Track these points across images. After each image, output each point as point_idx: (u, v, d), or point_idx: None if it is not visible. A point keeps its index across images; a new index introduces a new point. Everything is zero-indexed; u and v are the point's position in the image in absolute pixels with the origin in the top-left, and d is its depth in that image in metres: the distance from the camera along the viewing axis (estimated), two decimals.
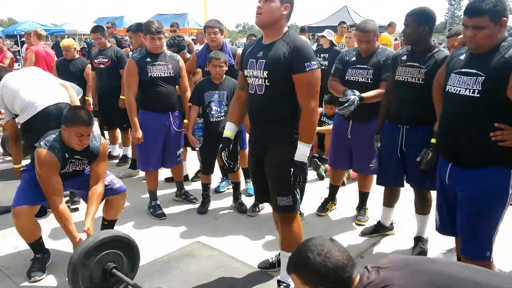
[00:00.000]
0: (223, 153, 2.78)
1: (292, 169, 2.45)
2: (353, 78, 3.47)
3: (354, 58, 3.52)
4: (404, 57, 3.04)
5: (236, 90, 2.87)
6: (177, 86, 3.98)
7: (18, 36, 17.24)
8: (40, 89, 3.41)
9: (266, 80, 2.44)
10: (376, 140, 3.27)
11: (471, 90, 2.18)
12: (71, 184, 3.07)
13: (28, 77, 3.54)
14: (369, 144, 3.36)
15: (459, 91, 2.23)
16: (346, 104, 3.20)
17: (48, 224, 3.55)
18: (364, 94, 3.29)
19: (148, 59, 3.71)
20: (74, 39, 10.68)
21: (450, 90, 2.30)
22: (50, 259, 3.09)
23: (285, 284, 2.70)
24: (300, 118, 2.43)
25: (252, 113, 2.63)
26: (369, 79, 3.41)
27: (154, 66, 3.71)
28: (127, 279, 2.61)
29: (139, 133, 3.73)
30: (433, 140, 2.80)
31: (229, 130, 2.75)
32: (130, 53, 5.55)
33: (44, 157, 2.73)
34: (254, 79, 2.49)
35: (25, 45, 8.99)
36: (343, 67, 3.55)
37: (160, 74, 3.73)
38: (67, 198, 3.88)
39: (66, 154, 2.84)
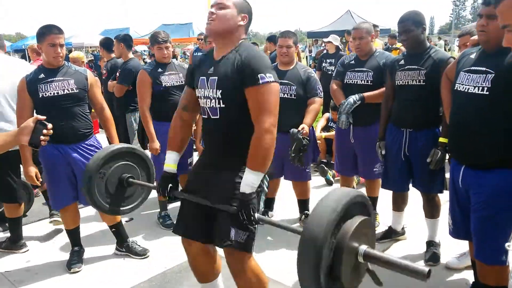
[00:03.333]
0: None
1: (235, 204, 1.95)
2: (352, 81, 3.51)
3: (352, 62, 3.58)
4: (402, 62, 3.06)
5: (178, 110, 2.39)
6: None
7: (26, 50, 17.45)
8: None
9: (221, 101, 2.05)
10: (379, 147, 3.25)
11: (480, 88, 2.15)
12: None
13: None
14: (372, 149, 3.35)
15: (468, 89, 2.21)
16: (340, 116, 3.39)
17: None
18: (365, 94, 3.34)
19: (160, 70, 3.73)
20: (81, 51, 10.76)
21: (458, 89, 2.28)
22: (84, 252, 3.31)
23: None
24: (251, 140, 1.97)
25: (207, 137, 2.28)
26: (369, 81, 3.43)
27: (166, 76, 3.74)
28: (147, 184, 2.55)
29: (156, 144, 3.72)
30: (441, 139, 2.79)
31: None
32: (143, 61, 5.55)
33: (18, 86, 2.95)
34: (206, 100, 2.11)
35: (31, 61, 8.95)
36: (344, 70, 3.60)
37: (174, 83, 3.76)
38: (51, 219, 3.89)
39: (43, 74, 2.94)
